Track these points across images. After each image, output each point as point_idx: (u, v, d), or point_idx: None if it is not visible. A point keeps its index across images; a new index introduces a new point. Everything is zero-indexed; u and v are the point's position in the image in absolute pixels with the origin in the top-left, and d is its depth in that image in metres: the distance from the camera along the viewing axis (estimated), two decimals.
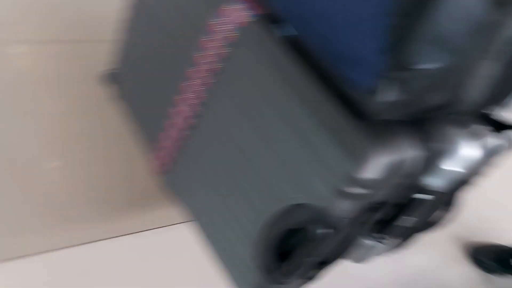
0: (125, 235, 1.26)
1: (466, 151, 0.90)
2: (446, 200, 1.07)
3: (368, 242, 1.10)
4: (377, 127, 0.73)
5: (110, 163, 1.37)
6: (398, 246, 1.24)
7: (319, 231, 0.81)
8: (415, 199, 0.97)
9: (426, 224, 1.14)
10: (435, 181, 0.96)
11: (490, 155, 0.97)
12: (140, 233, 1.30)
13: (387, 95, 0.69)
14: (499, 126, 0.95)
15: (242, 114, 0.87)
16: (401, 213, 1.00)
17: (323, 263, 0.97)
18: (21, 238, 1.17)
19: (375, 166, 0.72)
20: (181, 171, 1.07)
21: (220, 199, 0.97)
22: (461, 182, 1.03)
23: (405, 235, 1.17)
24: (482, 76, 0.73)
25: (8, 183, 1.24)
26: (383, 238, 1.09)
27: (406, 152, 0.76)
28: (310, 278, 1.04)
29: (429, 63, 0.64)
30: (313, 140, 0.75)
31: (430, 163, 0.84)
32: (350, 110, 0.75)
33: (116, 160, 1.38)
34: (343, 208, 0.78)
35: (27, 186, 1.26)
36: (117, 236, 1.26)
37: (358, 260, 1.19)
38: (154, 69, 1.08)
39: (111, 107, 1.31)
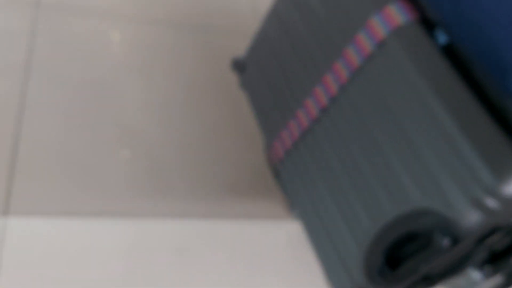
0: (225, 219, 1.29)
1: None
2: None
3: (474, 274, 1.06)
4: None
5: (223, 146, 1.42)
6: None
7: (444, 240, 0.79)
8: None
9: None
10: None
11: None
12: (237, 220, 1.32)
13: None
14: None
15: (380, 113, 0.88)
16: None
17: (429, 280, 0.95)
18: (126, 198, 1.24)
19: None
20: (296, 162, 1.09)
21: (337, 194, 0.97)
22: None
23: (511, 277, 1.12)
24: None
25: (125, 151, 1.32)
26: (491, 272, 1.04)
27: None
28: None
29: None
30: (460, 148, 0.74)
31: None
32: (501, 122, 0.74)
33: (230, 144, 1.43)
34: (473, 221, 0.76)
35: (139, 154, 1.33)
36: (216, 219, 1.29)
37: None
38: (287, 61, 1.12)
39: (232, 93, 1.38)
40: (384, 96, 0.87)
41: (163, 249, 1.19)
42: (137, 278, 1.11)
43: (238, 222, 1.30)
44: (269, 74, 1.19)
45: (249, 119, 1.45)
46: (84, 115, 1.35)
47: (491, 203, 0.73)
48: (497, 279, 1.11)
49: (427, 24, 0.86)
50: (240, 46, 1.50)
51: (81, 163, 1.25)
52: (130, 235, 1.18)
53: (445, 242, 0.80)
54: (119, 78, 1.46)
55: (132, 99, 1.43)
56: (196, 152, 1.39)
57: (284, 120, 1.12)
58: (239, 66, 1.31)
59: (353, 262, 0.95)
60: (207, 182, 1.34)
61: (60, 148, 1.26)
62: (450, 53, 0.82)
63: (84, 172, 1.24)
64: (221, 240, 1.25)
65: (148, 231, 1.20)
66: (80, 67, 1.45)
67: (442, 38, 0.84)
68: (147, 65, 1.52)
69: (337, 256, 1.00)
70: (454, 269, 0.92)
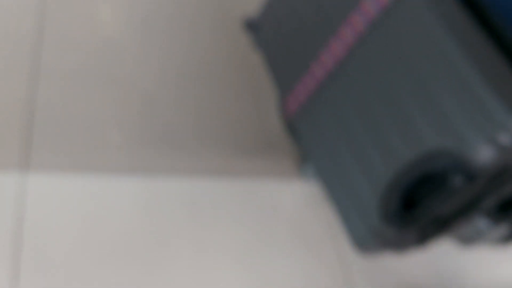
0: (234, 176, 1.33)
1: None
2: None
3: (483, 221, 1.11)
4: None
5: (232, 107, 1.45)
6: (508, 239, 1.23)
7: (459, 179, 0.84)
8: None
9: None
10: None
11: None
12: (246, 177, 1.35)
13: None
14: None
15: (396, 61, 0.91)
16: None
17: (442, 223, 1.00)
18: (139, 155, 1.27)
19: None
20: (311, 115, 1.13)
21: (352, 143, 1.01)
22: None
23: None
24: None
25: (133, 109, 1.36)
26: (500, 221, 1.09)
27: None
28: (424, 237, 1.06)
29: None
30: (474, 87, 0.78)
31: None
32: None
33: (242, 101, 1.46)
34: (486, 158, 0.80)
35: (152, 114, 1.36)
36: (225, 176, 1.32)
37: (465, 241, 1.19)
38: (303, 16, 1.15)
39: (247, 52, 1.41)
40: (401, 44, 0.91)
41: (175, 205, 1.22)
42: (151, 233, 1.15)
43: (246, 179, 1.33)
44: (285, 30, 1.22)
45: (257, 81, 1.49)
46: (97, 76, 1.38)
47: (503, 138, 0.77)
48: (503, 229, 1.16)
49: None
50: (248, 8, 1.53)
51: (92, 122, 1.29)
52: (143, 190, 1.22)
53: (459, 180, 0.84)
54: (129, 41, 1.50)
55: (143, 61, 1.47)
56: (206, 113, 1.42)
57: (300, 74, 1.15)
58: (252, 26, 1.35)
59: (369, 207, 0.99)
60: (217, 142, 1.37)
61: (74, 109, 1.30)
62: (468, 1, 0.86)
63: (96, 130, 1.28)
64: (231, 196, 1.29)
65: (161, 187, 1.24)
66: (90, 29, 1.48)
67: None
68: (158, 28, 1.56)
69: (353, 203, 1.05)
70: (465, 211, 0.97)
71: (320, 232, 1.25)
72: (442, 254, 1.24)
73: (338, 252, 1.23)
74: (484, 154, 0.80)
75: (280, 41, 1.25)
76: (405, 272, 1.18)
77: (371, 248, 1.05)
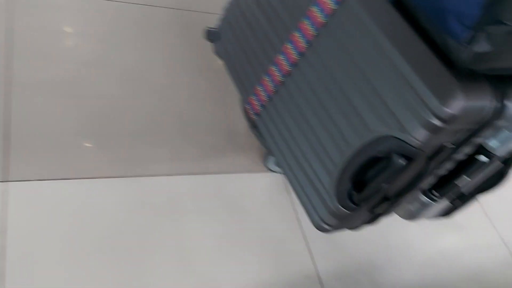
0: (208, 175, 1.42)
1: None
2: (501, 170, 1.22)
3: (423, 198, 1.26)
4: (465, 74, 0.89)
5: (203, 112, 1.55)
6: (447, 212, 1.38)
7: (398, 160, 0.97)
8: (474, 158, 1.13)
9: (477, 190, 1.28)
10: (496, 146, 1.12)
11: None
12: (219, 175, 1.45)
13: (479, 47, 0.85)
14: None
15: (343, 60, 1.04)
16: (459, 171, 1.16)
17: (390, 200, 1.13)
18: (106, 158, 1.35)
19: (458, 104, 0.88)
20: (271, 113, 1.24)
21: (309, 135, 1.13)
22: None
23: (457, 200, 1.32)
24: None
25: (110, 119, 1.42)
26: (437, 197, 1.24)
27: (484, 101, 0.92)
28: (375, 216, 1.19)
29: None
30: (410, 82, 0.91)
31: (499, 121, 1.00)
32: (444, 59, 0.91)
33: (208, 110, 1.56)
34: (423, 140, 0.94)
35: (125, 121, 1.43)
36: (199, 174, 1.42)
37: (409, 216, 1.34)
38: (258, 24, 1.26)
39: (209, 61, 1.51)
40: (346, 45, 1.03)
41: (154, 204, 1.30)
42: (131, 230, 1.23)
43: (219, 176, 1.43)
44: (242, 39, 1.32)
45: (225, 85, 1.58)
46: (70, 88, 1.43)
47: (437, 123, 0.90)
48: (443, 203, 1.32)
49: None
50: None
51: (65, 133, 1.34)
52: (122, 192, 1.29)
53: (402, 161, 0.97)
54: (101, 51, 1.56)
55: (111, 69, 1.53)
56: (180, 119, 1.51)
57: (258, 77, 1.26)
58: (212, 35, 1.44)
59: (327, 192, 1.11)
60: (190, 144, 1.46)
61: (48, 120, 1.35)
62: (399, 5, 0.99)
63: (69, 138, 1.34)
64: (206, 193, 1.38)
65: (140, 188, 1.31)
66: (59, 42, 1.53)
67: None
68: (128, 38, 1.62)
69: (313, 189, 1.16)
70: (409, 188, 1.11)
71: (285, 216, 1.36)
72: (390, 228, 1.39)
73: (304, 234, 1.34)
74: (421, 137, 0.94)
75: (238, 48, 1.36)
76: (357, 249, 1.32)
77: (330, 228, 1.17)
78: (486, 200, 1.44)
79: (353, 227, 1.21)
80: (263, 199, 1.40)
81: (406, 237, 1.38)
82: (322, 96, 1.10)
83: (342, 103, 1.05)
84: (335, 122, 1.07)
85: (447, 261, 1.43)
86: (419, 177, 1.07)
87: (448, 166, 1.14)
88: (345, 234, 1.29)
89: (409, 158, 0.97)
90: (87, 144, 1.34)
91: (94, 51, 1.55)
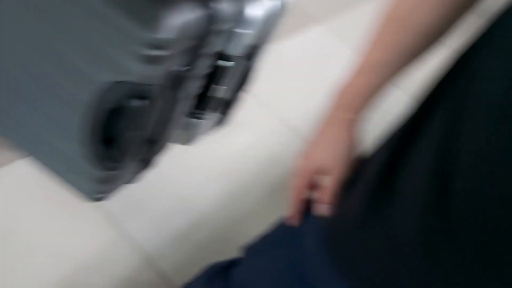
0: None
1: (249, 11, 1.03)
2: (247, 67, 1.21)
3: (191, 120, 1.21)
4: None
5: None
6: (220, 122, 1.37)
7: (134, 102, 0.88)
8: (218, 66, 1.09)
9: (237, 90, 1.28)
10: (232, 48, 1.09)
11: (271, 15, 1.12)
12: None
13: None
14: None
15: (33, 17, 0.87)
16: (211, 83, 1.12)
17: (152, 142, 1.06)
18: None
19: (166, 27, 0.80)
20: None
21: (37, 108, 0.98)
22: (254, 46, 1.17)
23: (223, 108, 1.31)
24: None
25: None
26: (203, 114, 1.20)
27: (193, 12, 0.85)
28: (146, 161, 1.11)
29: None
30: (109, 18, 0.80)
31: (218, 24, 0.95)
32: None
33: None
34: (151, 75, 0.86)
35: None
36: None
37: (186, 141, 1.30)
38: None
39: None
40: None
41: None
42: None
43: None
44: None
45: None
46: None
47: (152, 52, 0.82)
48: (211, 117, 1.29)
49: None
50: None
51: None
52: None
53: (137, 103, 0.88)
54: None
55: None
56: None
57: None
58: None
59: (78, 161, 0.99)
60: None
61: None
62: None
63: None
64: None
65: None
66: None
67: None
68: None
69: (65, 164, 1.03)
70: (165, 122, 1.04)
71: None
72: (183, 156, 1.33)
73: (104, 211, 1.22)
74: (146, 73, 0.85)
75: None
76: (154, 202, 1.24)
77: (104, 194, 1.07)
78: (258, 90, 1.45)
79: (129, 181, 1.13)
80: (28, 187, 1.22)
81: (197, 157, 1.35)
82: (37, 62, 0.93)
83: (58, 61, 0.90)
84: (56, 83, 0.92)
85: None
86: (170, 108, 1.00)
87: (199, 83, 1.09)
88: (139, 193, 1.20)
89: (144, 97, 0.89)
90: None
91: None
